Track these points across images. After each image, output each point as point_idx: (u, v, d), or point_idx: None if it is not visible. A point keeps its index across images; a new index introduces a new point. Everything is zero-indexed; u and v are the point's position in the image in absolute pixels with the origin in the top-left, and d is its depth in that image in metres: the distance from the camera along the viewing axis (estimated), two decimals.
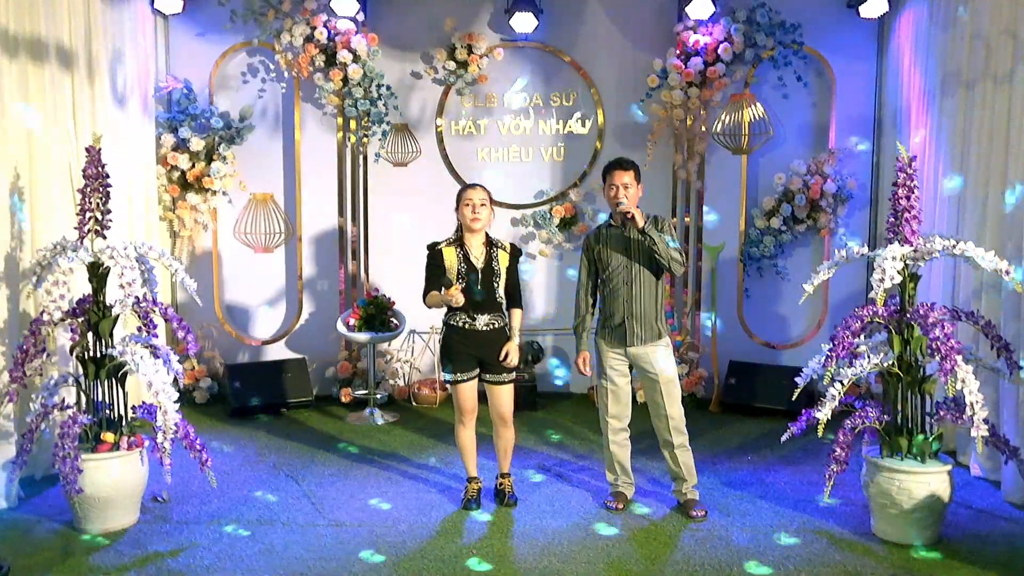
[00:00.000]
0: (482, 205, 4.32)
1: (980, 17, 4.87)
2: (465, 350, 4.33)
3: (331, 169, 6.65)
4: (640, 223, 4.14)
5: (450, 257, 4.34)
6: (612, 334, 4.33)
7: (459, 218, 4.38)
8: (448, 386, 4.57)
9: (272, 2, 6.37)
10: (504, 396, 4.38)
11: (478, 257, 4.35)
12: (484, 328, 4.32)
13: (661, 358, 4.29)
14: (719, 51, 6.27)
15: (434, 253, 4.39)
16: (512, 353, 4.33)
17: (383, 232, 6.78)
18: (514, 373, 4.40)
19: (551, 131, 6.76)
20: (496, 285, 4.35)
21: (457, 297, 4.17)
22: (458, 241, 4.38)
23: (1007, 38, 4.64)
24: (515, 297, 4.44)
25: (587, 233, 4.66)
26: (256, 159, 6.63)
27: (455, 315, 4.35)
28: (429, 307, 4.42)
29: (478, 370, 4.38)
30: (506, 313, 4.43)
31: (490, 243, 4.41)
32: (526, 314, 5.21)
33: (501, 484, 4.51)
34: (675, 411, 4.30)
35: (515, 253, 4.47)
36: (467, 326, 4.32)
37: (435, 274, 4.35)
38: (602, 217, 6.70)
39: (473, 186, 4.44)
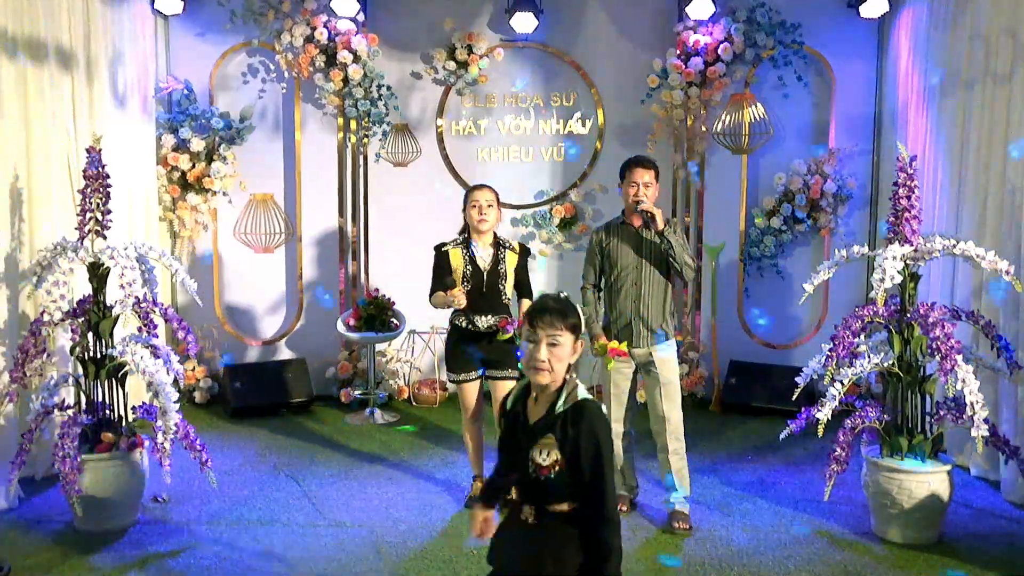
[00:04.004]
0: (489, 206, 4.31)
1: (979, 17, 4.87)
2: (468, 350, 4.32)
3: (331, 169, 6.64)
4: (660, 225, 4.10)
5: (456, 259, 4.33)
6: (619, 334, 4.27)
7: (466, 219, 4.37)
8: (452, 385, 4.54)
9: (272, 2, 6.36)
10: (505, 390, 4.27)
11: (484, 259, 4.34)
12: (486, 329, 4.32)
13: (666, 360, 4.25)
14: (719, 51, 6.27)
15: (440, 254, 4.37)
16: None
17: (383, 232, 6.77)
18: (518, 371, 4.32)
19: (551, 131, 6.76)
20: (502, 287, 4.34)
21: (459, 298, 4.17)
22: (465, 242, 4.36)
23: (1007, 38, 4.64)
24: (525, 292, 4.45)
25: (596, 229, 4.54)
26: (256, 159, 6.62)
27: (459, 315, 4.36)
28: (435, 307, 4.41)
29: (481, 370, 4.36)
30: (514, 310, 4.40)
31: (498, 244, 4.39)
32: None
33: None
34: (674, 415, 4.24)
35: (524, 252, 4.46)
36: (470, 327, 4.32)
37: (441, 275, 4.34)
38: (602, 217, 6.71)
39: (480, 187, 4.40)
